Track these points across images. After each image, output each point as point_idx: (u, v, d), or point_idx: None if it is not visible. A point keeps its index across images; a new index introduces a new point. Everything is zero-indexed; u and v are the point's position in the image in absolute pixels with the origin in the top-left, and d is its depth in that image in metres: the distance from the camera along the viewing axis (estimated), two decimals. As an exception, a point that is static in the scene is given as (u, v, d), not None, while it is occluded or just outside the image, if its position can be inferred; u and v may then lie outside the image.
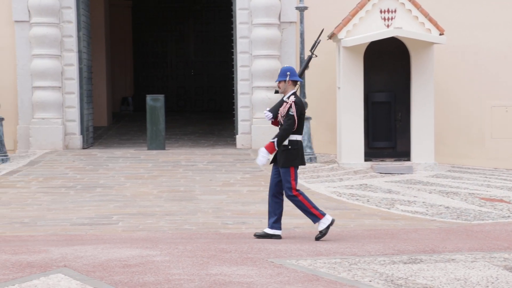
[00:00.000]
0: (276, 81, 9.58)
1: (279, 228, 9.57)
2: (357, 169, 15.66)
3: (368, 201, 12.62)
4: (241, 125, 18.16)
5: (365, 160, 15.99)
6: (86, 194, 13.01)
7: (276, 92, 9.61)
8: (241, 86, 18.22)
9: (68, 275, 7.37)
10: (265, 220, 10.99)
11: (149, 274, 7.45)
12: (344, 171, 15.43)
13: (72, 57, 17.94)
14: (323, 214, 9.41)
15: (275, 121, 9.46)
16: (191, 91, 29.06)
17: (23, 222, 10.85)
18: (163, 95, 18.07)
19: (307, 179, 14.45)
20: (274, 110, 9.41)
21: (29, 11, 17.70)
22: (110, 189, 13.48)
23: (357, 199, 12.76)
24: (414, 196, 13.09)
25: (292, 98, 9.34)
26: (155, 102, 17.73)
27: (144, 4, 28.35)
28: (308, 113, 16.81)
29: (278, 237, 9.55)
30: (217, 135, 20.91)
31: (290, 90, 9.44)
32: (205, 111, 28.25)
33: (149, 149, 17.63)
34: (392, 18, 15.79)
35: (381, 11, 15.85)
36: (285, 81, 9.42)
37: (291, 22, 18.18)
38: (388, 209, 12.01)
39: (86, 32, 18.64)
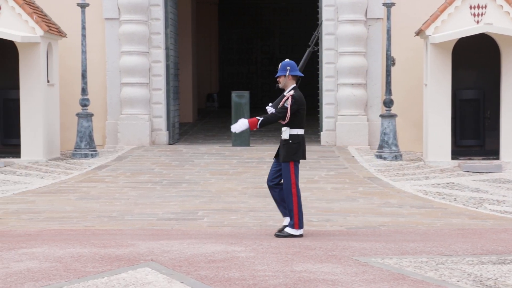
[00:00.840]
0: (276, 76, 9.54)
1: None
2: (443, 167, 15.41)
3: (455, 200, 12.40)
4: (326, 122, 18.10)
5: (452, 158, 15.73)
6: (172, 190, 13.17)
7: (278, 87, 9.56)
8: (326, 83, 18.15)
9: (155, 269, 7.47)
10: (349, 217, 10.93)
11: (234, 269, 7.49)
12: (431, 169, 15.21)
13: (159, 54, 18.18)
14: (300, 227, 9.35)
15: None
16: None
17: (111, 216, 11.05)
18: (248, 92, 18.15)
19: (392, 177, 14.31)
20: (276, 105, 9.39)
21: (119, 9, 18.01)
22: (196, 185, 13.60)
23: (444, 197, 12.56)
24: (504, 196, 12.80)
25: (291, 92, 9.33)
26: (240, 99, 17.82)
27: (230, 1, 28.52)
28: (393, 110, 16.64)
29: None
30: (301, 132, 20.87)
31: (291, 85, 9.42)
32: (290, 108, 28.28)
33: (233, 145, 17.74)
34: (482, 14, 15.48)
35: (470, 7, 15.56)
36: (285, 75, 9.39)
37: (377, 18, 18.02)
38: (476, 208, 11.78)
39: (173, 29, 18.87)
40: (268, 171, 14.73)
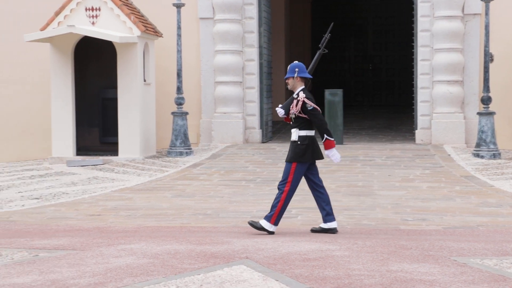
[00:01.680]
0: (284, 78, 9.51)
1: (332, 220, 9.50)
2: (543, 166, 15.01)
3: (556, 200, 12.06)
4: (421, 120, 17.85)
5: (553, 157, 15.30)
6: (265, 188, 13.21)
7: (288, 89, 9.53)
8: (421, 80, 17.89)
9: (250, 266, 7.51)
10: (446, 217, 10.75)
11: (329, 268, 7.46)
12: (530, 169, 14.83)
13: (253, 52, 18.27)
14: (275, 224, 9.36)
15: (287, 118, 9.39)
16: (369, 85, 28.88)
17: (206, 214, 11.16)
18: (341, 90, 18.06)
19: (490, 176, 14.01)
20: (286, 107, 9.36)
21: (213, 8, 18.17)
22: (289, 183, 13.59)
23: (544, 198, 12.22)
24: None
25: (302, 95, 9.26)
26: (333, 97, 17.74)
27: (323, -1, 28.44)
28: (491, 107, 16.28)
29: (334, 230, 9.49)
30: (395, 130, 20.65)
31: (299, 87, 9.36)
32: (383, 106, 27.99)
33: (327, 143, 17.65)
34: None
35: None
36: (293, 77, 9.37)
37: (475, 14, 17.66)
38: None
39: (267, 28, 18.93)
40: (363, 169, 14.68)
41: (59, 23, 16.28)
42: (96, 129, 17.12)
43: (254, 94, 18.33)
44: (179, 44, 16.88)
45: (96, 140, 17.14)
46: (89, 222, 10.65)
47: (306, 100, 9.23)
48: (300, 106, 9.22)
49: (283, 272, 7.31)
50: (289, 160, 9.34)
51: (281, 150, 17.05)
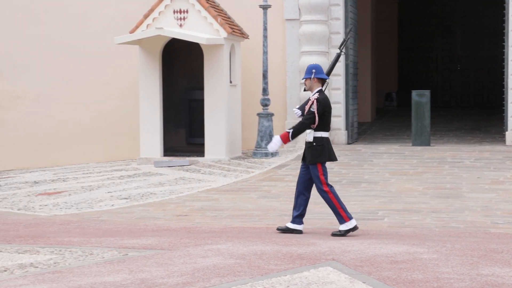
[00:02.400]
0: (302, 79, 9.64)
1: (300, 223, 9.70)
2: None
3: None
4: (511, 121, 17.46)
5: None
6: (351, 189, 13.14)
7: (305, 90, 9.62)
8: (512, 80, 17.50)
9: (337, 268, 7.47)
10: (537, 221, 10.49)
11: (417, 271, 7.37)
12: None
13: (339, 53, 18.16)
14: (350, 218, 9.43)
15: None
16: (457, 86, 28.41)
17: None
18: (428, 91, 17.81)
19: None
20: (302, 108, 9.47)
21: (299, 9, 18.17)
22: (375, 185, 13.50)
23: None
24: None
25: (316, 95, 9.39)
26: (420, 98, 17.51)
27: (410, -1, 28.12)
28: None
29: (299, 231, 9.66)
30: (484, 131, 20.27)
31: (316, 88, 9.49)
32: (471, 107, 27.50)
33: (413, 145, 17.45)
34: None
35: None
36: (310, 78, 9.47)
37: None
38: None
39: (353, 29, 18.81)
40: (451, 171, 14.45)
41: (148, 25, 16.54)
42: (183, 130, 17.32)
43: (339, 95, 18.24)
44: (265, 45, 16.93)
45: (182, 141, 17.34)
46: (177, 222, 10.78)
47: (315, 101, 9.35)
48: (310, 104, 9.37)
49: (370, 274, 7.25)
50: (312, 162, 9.47)
51: (367, 151, 16.93)
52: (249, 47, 18.15)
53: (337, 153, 16.59)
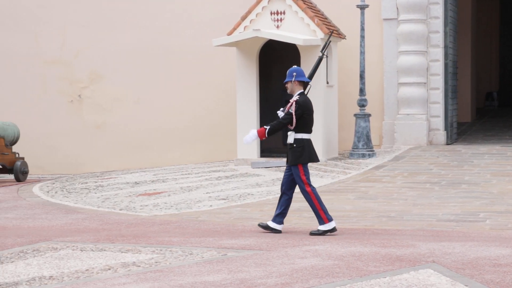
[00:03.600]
0: (284, 82, 9.83)
1: (281, 223, 9.86)
2: None
3: None
4: None
5: None
6: (451, 190, 12.91)
7: (288, 92, 9.80)
8: None
9: (437, 271, 7.36)
10: None
11: (521, 275, 7.19)
12: None
13: (437, 52, 17.90)
14: (329, 220, 9.63)
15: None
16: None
17: (389, 216, 11.05)
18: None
19: None
20: (284, 109, 9.71)
21: (397, 8, 17.98)
22: (476, 186, 13.23)
23: None
24: None
25: (296, 98, 9.62)
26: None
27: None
28: None
29: (278, 231, 9.80)
30: None
31: (298, 90, 9.72)
32: None
33: (516, 145, 17.05)
34: None
35: None
36: (291, 81, 9.69)
37: None
38: None
39: (453, 27, 18.50)
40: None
41: (245, 27, 16.65)
42: (279, 131, 17.34)
43: (438, 95, 17.96)
44: (362, 45, 16.82)
45: (279, 142, 17.37)
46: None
47: (294, 103, 9.56)
48: (289, 105, 9.58)
49: (472, 277, 7.11)
50: (294, 163, 9.67)
51: (467, 152, 16.61)
52: (346, 47, 18.06)
53: (435, 154, 16.44)
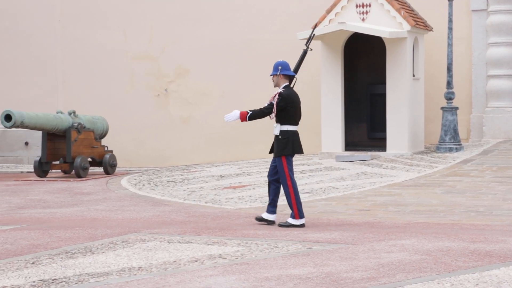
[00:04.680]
0: (270, 75, 10.04)
1: (272, 213, 10.03)
2: None
3: None
4: None
5: None
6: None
7: (274, 86, 10.02)
8: None
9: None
10: None
11: None
12: None
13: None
14: (301, 217, 9.84)
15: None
16: None
17: (478, 211, 10.87)
18: None
19: None
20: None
21: (487, 0, 17.65)
22: None
23: None
24: None
25: (280, 90, 9.86)
26: None
27: None
28: None
29: (271, 222, 10.00)
30: None
31: (283, 83, 9.95)
32: None
33: None
34: None
35: None
36: (276, 75, 9.91)
37: None
38: None
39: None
40: None
41: (330, 20, 16.58)
42: (364, 124, 17.25)
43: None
44: (449, 37, 16.55)
45: (364, 136, 17.28)
46: (359, 216, 10.76)
47: (278, 95, 9.79)
48: (273, 96, 9.81)
49: None
50: (277, 155, 9.88)
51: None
52: (432, 40, 17.81)
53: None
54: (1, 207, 12.63)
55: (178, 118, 20.04)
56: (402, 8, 16.25)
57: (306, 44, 10.50)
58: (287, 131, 9.91)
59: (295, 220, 9.89)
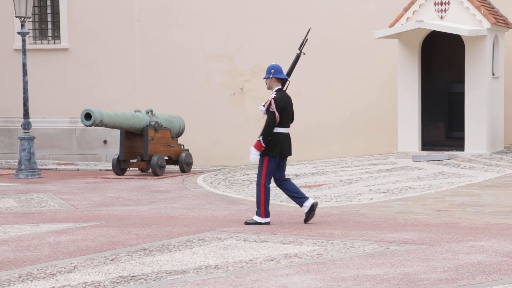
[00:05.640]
0: (263, 78, 10.22)
1: (306, 198, 10.16)
2: None
3: None
4: None
5: None
6: None
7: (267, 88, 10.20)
8: None
9: None
10: None
11: None
12: None
13: None
14: (266, 216, 10.08)
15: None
16: None
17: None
18: None
19: None
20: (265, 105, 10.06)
21: None
22: None
23: None
24: None
25: (273, 95, 10.00)
26: None
27: None
28: None
29: (314, 206, 10.13)
30: None
31: (275, 87, 10.13)
32: None
33: None
34: None
35: None
36: (269, 78, 10.07)
37: None
38: None
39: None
40: None
41: (407, 18, 16.41)
42: (442, 124, 17.02)
43: None
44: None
45: (441, 135, 17.04)
46: (436, 217, 10.62)
47: (273, 101, 9.94)
48: (268, 103, 9.95)
49: None
50: (262, 154, 10.01)
51: None
52: (513, 38, 17.48)
53: None
54: (81, 204, 12.88)
55: (253, 116, 20.10)
56: (482, 5, 15.96)
57: (299, 48, 10.67)
58: (277, 133, 10.09)
59: (261, 218, 10.13)
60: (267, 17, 19.87)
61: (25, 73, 17.76)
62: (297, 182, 14.40)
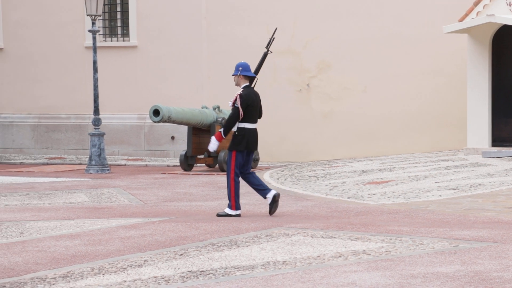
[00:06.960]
0: (232, 75, 10.69)
1: (268, 190, 10.56)
2: None
3: None
4: None
5: None
6: None
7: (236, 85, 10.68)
8: None
9: None
10: None
11: None
12: None
13: None
14: (237, 209, 10.55)
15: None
16: None
17: None
18: None
19: None
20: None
21: None
22: None
23: None
24: None
25: (240, 91, 10.48)
26: None
27: None
28: None
29: (276, 197, 10.53)
30: None
31: (243, 84, 10.58)
32: None
33: None
34: None
35: None
36: (237, 75, 10.53)
37: None
38: None
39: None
40: None
41: (477, 13, 16.17)
42: (514, 119, 16.74)
43: None
44: None
45: (512, 131, 16.76)
46: (508, 214, 10.45)
47: (239, 97, 10.39)
48: (234, 99, 10.38)
49: None
50: (229, 149, 10.49)
51: None
52: None
53: None
54: (150, 199, 13.04)
55: (319, 113, 20.06)
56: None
57: (266, 47, 11.14)
58: (243, 128, 10.50)
59: (231, 210, 10.56)
60: (334, 12, 19.79)
61: (95, 70, 18.06)
62: (364, 178, 14.33)
